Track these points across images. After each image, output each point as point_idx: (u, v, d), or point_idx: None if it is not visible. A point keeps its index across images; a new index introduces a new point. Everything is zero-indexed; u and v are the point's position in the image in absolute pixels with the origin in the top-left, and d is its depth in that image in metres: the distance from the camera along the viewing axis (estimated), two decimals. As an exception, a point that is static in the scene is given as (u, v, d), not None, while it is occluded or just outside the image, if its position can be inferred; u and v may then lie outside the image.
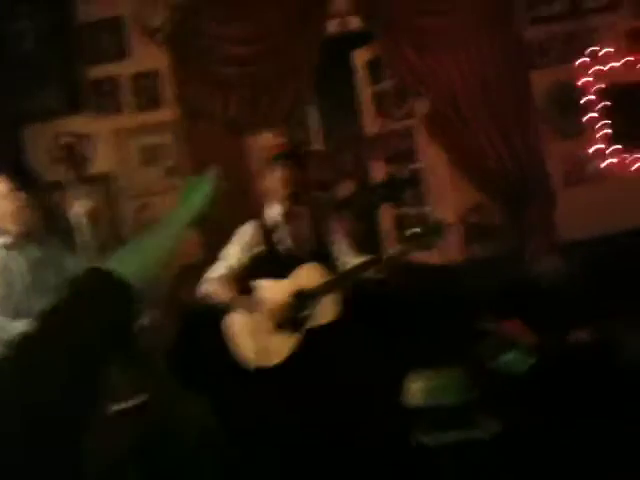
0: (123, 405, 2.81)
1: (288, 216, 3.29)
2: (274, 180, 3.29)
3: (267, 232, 3.29)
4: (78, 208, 3.06)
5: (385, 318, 3.91)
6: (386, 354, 3.33)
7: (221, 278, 3.26)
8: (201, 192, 1.39)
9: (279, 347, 3.12)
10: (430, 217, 4.64)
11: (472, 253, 4.60)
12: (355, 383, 3.10)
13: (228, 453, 2.80)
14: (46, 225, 3.42)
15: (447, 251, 4.64)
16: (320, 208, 3.73)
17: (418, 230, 3.19)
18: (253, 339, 3.09)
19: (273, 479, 3.04)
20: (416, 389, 3.00)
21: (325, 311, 3.18)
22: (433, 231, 3.19)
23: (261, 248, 3.22)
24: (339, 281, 3.23)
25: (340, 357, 3.15)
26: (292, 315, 3.18)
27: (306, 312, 3.18)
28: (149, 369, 2.96)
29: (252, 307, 2.98)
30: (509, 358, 3.38)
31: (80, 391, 1.02)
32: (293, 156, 3.31)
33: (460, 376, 3.01)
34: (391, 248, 3.18)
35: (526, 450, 2.96)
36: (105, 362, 1.10)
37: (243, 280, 3.17)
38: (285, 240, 3.30)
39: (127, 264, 1.13)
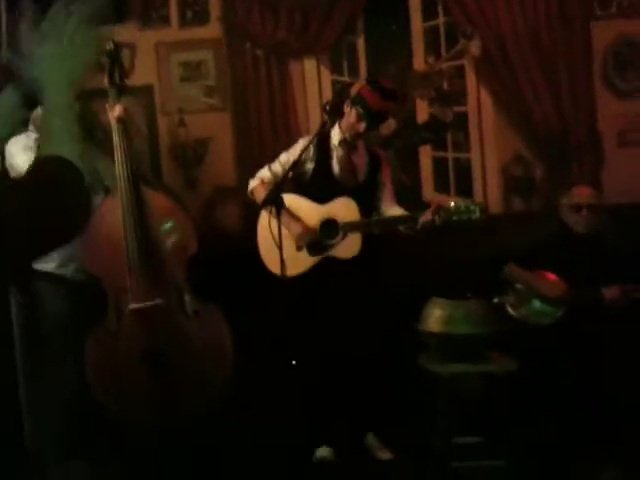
0: (137, 305, 2.82)
1: (344, 144, 3.32)
2: (348, 116, 3.30)
3: (322, 149, 3.32)
4: (111, 112, 3.08)
5: (409, 258, 3.86)
6: (404, 288, 3.33)
7: (264, 180, 3.36)
8: None
9: (297, 262, 3.17)
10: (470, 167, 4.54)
11: (510, 205, 4.48)
12: (366, 310, 3.19)
13: (238, 362, 2.81)
14: (83, 130, 3.45)
15: (485, 202, 4.53)
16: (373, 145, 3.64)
17: (461, 205, 3.17)
18: (273, 245, 3.10)
19: (281, 391, 3.05)
20: (433, 316, 2.94)
21: (348, 247, 3.24)
22: (475, 211, 3.15)
23: (311, 163, 3.28)
24: (370, 226, 3.32)
25: (354, 287, 3.21)
26: (317, 240, 3.25)
27: (330, 241, 3.25)
28: (168, 276, 2.95)
29: (285, 219, 3.06)
30: (535, 308, 3.30)
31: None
32: (380, 117, 3.32)
33: (479, 309, 2.95)
34: (426, 215, 3.18)
35: (535, 393, 2.92)
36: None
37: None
38: (334, 164, 3.34)
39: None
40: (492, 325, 2.91)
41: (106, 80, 3.15)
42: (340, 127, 3.34)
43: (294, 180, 3.28)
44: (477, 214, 3.12)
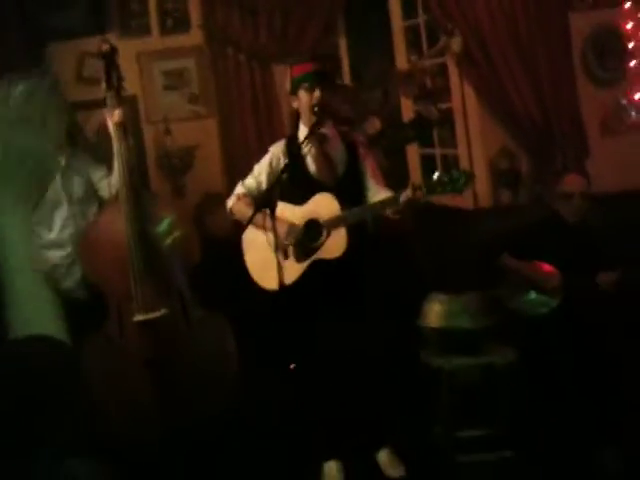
0: (143, 316, 2.80)
1: (314, 138, 3.13)
2: (301, 100, 3.18)
3: (293, 152, 3.18)
4: (110, 117, 2.99)
5: (400, 256, 3.85)
6: (398, 285, 3.28)
7: (239, 195, 3.25)
8: None
9: (288, 271, 2.98)
10: (457, 162, 4.56)
11: (498, 199, 4.51)
12: (363, 310, 3.08)
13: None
14: (71, 141, 3.43)
15: (473, 196, 4.56)
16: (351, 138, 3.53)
17: (444, 175, 2.96)
18: (262, 259, 3.03)
19: (282, 399, 3.02)
20: (432, 311, 2.94)
21: (333, 246, 3.06)
22: (460, 179, 2.95)
23: (284, 168, 3.11)
24: (354, 216, 3.08)
25: (347, 288, 3.08)
26: (302, 243, 3.10)
27: (316, 242, 3.09)
28: (172, 284, 2.94)
29: (269, 224, 2.92)
30: (530, 298, 3.32)
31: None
32: (319, 76, 3.14)
33: (476, 301, 2.94)
34: (406, 192, 2.94)
35: (537, 381, 2.92)
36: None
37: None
38: (309, 162, 3.20)
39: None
40: (490, 317, 2.91)
41: (104, 85, 2.97)
42: (302, 121, 3.20)
43: (273, 186, 3.05)
44: (463, 182, 2.91)
